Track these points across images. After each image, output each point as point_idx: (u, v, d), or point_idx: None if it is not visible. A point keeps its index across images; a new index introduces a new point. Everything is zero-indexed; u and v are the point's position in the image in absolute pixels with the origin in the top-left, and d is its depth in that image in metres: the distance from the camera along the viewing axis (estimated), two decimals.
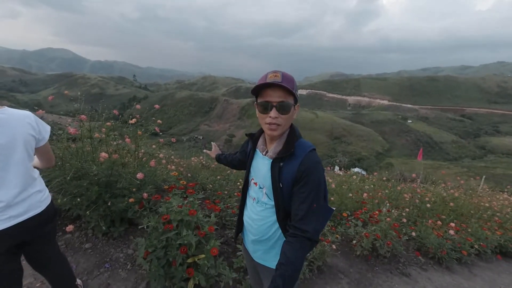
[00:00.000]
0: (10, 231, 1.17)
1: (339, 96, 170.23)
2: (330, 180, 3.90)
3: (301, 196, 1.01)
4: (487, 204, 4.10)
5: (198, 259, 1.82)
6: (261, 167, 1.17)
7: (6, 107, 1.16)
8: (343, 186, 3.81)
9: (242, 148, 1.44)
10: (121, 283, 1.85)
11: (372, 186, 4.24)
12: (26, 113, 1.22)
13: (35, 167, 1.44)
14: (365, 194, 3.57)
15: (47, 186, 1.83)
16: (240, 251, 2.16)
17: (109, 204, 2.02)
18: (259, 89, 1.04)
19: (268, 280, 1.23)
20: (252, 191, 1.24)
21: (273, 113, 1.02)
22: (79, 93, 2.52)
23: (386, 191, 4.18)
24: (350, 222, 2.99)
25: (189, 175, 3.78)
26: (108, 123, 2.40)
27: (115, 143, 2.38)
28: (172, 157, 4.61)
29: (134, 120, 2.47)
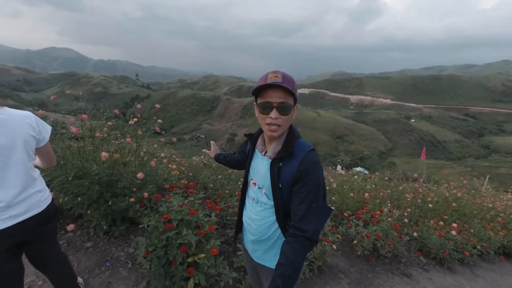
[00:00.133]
0: (10, 231, 1.18)
1: (342, 95, 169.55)
2: (331, 180, 3.89)
3: (300, 196, 1.01)
4: (490, 205, 4.07)
5: (198, 259, 1.82)
6: (260, 167, 1.16)
7: (6, 108, 1.16)
8: (344, 186, 3.80)
9: (241, 148, 1.44)
10: (122, 281, 1.86)
11: (373, 186, 4.21)
12: (27, 113, 1.23)
13: (36, 167, 1.45)
14: (366, 194, 3.55)
15: (49, 185, 1.85)
16: (241, 250, 2.17)
17: (110, 203, 2.03)
18: (259, 90, 1.03)
19: (267, 280, 1.23)
20: (251, 191, 1.24)
21: (273, 113, 1.01)
22: (80, 93, 2.53)
23: (388, 191, 4.16)
24: (351, 222, 2.98)
25: (190, 174, 3.79)
26: (109, 123, 2.41)
27: (116, 142, 2.39)
28: (174, 156, 4.62)
29: (135, 119, 2.48)
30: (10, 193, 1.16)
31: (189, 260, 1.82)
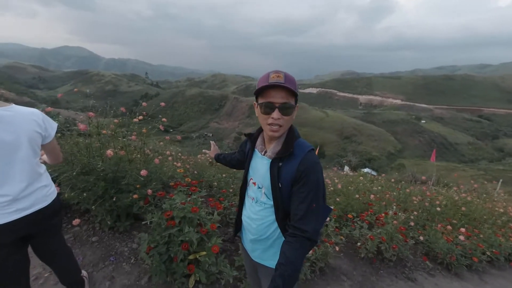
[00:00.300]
0: (16, 224, 1.21)
1: (350, 95, 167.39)
2: (336, 181, 3.85)
3: (300, 196, 1.01)
4: (501, 210, 3.94)
5: (199, 256, 1.84)
6: (260, 167, 1.16)
7: (13, 105, 1.20)
8: (350, 187, 3.75)
9: (240, 148, 1.44)
10: (125, 276, 1.90)
11: (380, 187, 4.14)
12: (33, 110, 1.26)
13: (44, 163, 1.49)
14: (372, 196, 3.50)
15: (55, 180, 1.90)
16: None
17: (114, 199, 2.07)
18: (261, 90, 1.03)
19: (266, 279, 1.23)
20: (251, 191, 1.23)
21: (275, 114, 1.01)
22: (88, 90, 2.58)
23: (394, 193, 4.08)
24: (355, 224, 2.94)
25: (195, 172, 3.82)
26: (115, 120, 2.46)
27: (124, 139, 2.43)
28: (179, 154, 4.67)
29: (140, 117, 2.51)
30: (16, 188, 1.20)
31: (191, 257, 1.83)
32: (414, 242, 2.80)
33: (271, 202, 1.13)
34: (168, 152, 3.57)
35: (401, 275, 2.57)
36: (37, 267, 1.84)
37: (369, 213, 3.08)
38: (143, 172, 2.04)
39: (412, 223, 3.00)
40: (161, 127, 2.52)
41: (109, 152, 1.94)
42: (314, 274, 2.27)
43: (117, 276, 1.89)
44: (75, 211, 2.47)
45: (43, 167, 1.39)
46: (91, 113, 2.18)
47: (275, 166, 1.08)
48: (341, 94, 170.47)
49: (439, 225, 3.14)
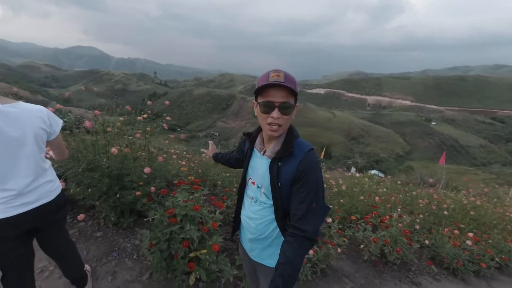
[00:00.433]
0: (22, 217, 1.25)
1: (358, 96, 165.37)
2: (341, 182, 3.81)
3: (300, 196, 1.01)
4: None
5: (200, 254, 1.85)
6: (259, 166, 1.16)
7: (20, 102, 1.23)
8: (354, 189, 3.70)
9: (239, 147, 1.44)
10: (127, 272, 1.93)
11: (385, 189, 4.08)
12: (39, 107, 1.30)
13: (50, 159, 1.53)
14: (377, 198, 3.44)
15: (60, 176, 1.95)
16: None
17: (118, 195, 2.10)
18: (261, 89, 1.03)
19: (264, 278, 1.23)
20: (250, 190, 1.23)
21: (275, 113, 1.00)
22: (95, 89, 2.63)
23: (400, 195, 4.01)
24: (359, 226, 2.90)
25: (200, 171, 3.85)
26: (121, 118, 2.50)
27: (130, 137, 2.47)
28: (184, 152, 4.71)
29: (145, 115, 2.55)
30: (22, 182, 1.23)
31: (191, 255, 1.84)
32: (419, 246, 2.74)
33: (271, 202, 1.13)
34: (172, 151, 3.61)
35: (405, 279, 2.52)
36: (42, 261, 1.90)
37: (373, 215, 3.03)
38: (147, 170, 2.06)
39: (417, 227, 2.94)
40: (165, 126, 2.55)
41: (114, 149, 1.97)
42: (315, 275, 2.25)
43: (120, 271, 1.92)
44: (81, 207, 2.52)
45: (48, 162, 1.42)
46: (96, 111, 2.22)
47: (275, 166, 1.08)
48: (349, 94, 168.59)
49: (446, 229, 3.07)
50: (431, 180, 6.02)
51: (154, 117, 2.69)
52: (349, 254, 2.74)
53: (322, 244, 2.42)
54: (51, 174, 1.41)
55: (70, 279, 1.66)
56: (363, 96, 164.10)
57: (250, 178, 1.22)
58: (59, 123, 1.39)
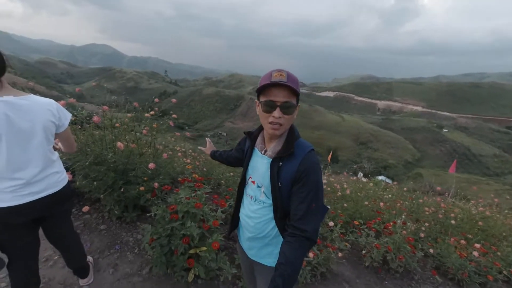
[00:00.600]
0: (29, 206, 1.29)
1: (368, 100, 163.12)
2: (345, 186, 3.76)
3: (300, 196, 1.01)
4: None
5: (199, 251, 1.86)
6: (260, 166, 1.16)
7: (31, 95, 1.28)
8: (359, 194, 3.65)
9: (239, 146, 1.44)
10: (127, 265, 1.96)
11: (390, 196, 4.01)
12: (49, 100, 1.34)
13: (59, 151, 1.57)
14: (382, 204, 3.39)
15: (68, 168, 2.00)
16: None
17: (122, 190, 2.15)
18: (263, 88, 1.03)
19: (262, 277, 1.23)
20: (250, 189, 1.24)
21: (277, 113, 1.01)
22: (105, 85, 2.69)
23: (406, 202, 3.93)
24: (362, 231, 2.86)
25: (204, 169, 3.88)
26: (128, 114, 2.55)
27: (138, 134, 2.52)
28: (190, 150, 4.76)
29: (152, 112, 2.59)
30: (30, 172, 1.27)
31: (191, 251, 1.86)
32: (423, 254, 2.68)
33: (270, 201, 1.14)
34: (178, 148, 3.65)
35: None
36: (48, 250, 1.95)
37: (376, 221, 2.99)
38: (151, 165, 2.10)
39: (422, 235, 2.87)
40: (171, 123, 2.58)
41: (120, 144, 2.02)
42: (314, 278, 2.23)
43: (121, 264, 1.96)
44: (87, 199, 2.59)
45: (56, 154, 1.46)
46: (105, 107, 2.28)
47: (275, 166, 1.08)
48: (359, 98, 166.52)
49: (452, 239, 2.99)
50: (438, 188, 5.87)
51: (161, 114, 2.73)
52: (350, 259, 2.71)
53: (323, 248, 2.40)
54: (59, 166, 1.45)
55: (73, 269, 1.70)
56: (373, 101, 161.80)
57: (250, 177, 1.23)
58: (67, 116, 1.44)
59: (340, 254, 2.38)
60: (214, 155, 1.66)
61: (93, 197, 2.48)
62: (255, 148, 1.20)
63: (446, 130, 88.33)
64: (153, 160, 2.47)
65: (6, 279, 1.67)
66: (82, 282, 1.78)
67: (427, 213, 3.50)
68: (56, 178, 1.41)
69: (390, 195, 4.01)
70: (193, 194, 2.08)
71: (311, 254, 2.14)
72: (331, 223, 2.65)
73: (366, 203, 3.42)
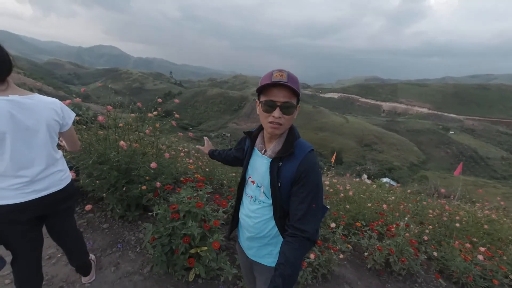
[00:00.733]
0: (33, 204, 1.31)
1: (373, 102, 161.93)
2: (348, 187, 3.74)
3: (300, 196, 1.01)
4: None
5: (200, 251, 1.87)
6: (260, 166, 1.16)
7: (36, 94, 1.30)
8: (362, 195, 3.62)
9: (239, 146, 1.44)
10: (129, 263, 1.98)
11: (393, 198, 3.96)
12: (53, 100, 1.36)
13: (63, 149, 1.60)
14: (385, 206, 3.35)
15: (73, 167, 2.03)
16: None
17: (124, 189, 2.17)
18: (263, 88, 1.04)
19: (261, 277, 1.23)
20: (249, 189, 1.24)
21: (276, 113, 1.01)
22: (110, 86, 2.72)
23: (410, 204, 3.88)
24: (364, 233, 2.83)
25: (207, 169, 3.89)
26: (132, 114, 2.58)
27: (141, 133, 2.54)
28: (193, 151, 4.78)
29: (155, 112, 2.62)
30: (34, 170, 1.29)
31: (192, 251, 1.87)
32: (426, 257, 2.64)
33: (270, 201, 1.13)
34: (180, 148, 3.68)
35: None
36: (51, 248, 1.98)
37: (379, 223, 2.96)
38: (153, 165, 2.11)
39: (426, 237, 2.83)
40: (174, 123, 2.60)
41: (122, 143, 2.04)
42: (315, 280, 2.22)
43: (122, 262, 1.98)
44: (90, 198, 2.62)
45: (60, 153, 1.49)
46: (109, 107, 2.31)
47: (275, 166, 1.08)
48: (363, 100, 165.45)
49: (456, 242, 2.94)
50: (442, 190, 5.79)
51: (164, 115, 2.75)
52: (352, 261, 2.68)
53: (324, 249, 2.39)
54: (62, 164, 1.48)
55: (75, 266, 1.72)
56: (378, 102, 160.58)
57: (250, 177, 1.23)
58: (71, 115, 1.46)
59: (341, 256, 2.36)
60: (212, 154, 1.66)
61: (96, 196, 2.51)
62: (255, 148, 1.20)
63: (453, 132, 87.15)
64: (155, 159, 2.49)
65: (10, 276, 1.70)
66: (84, 279, 1.80)
67: (431, 215, 3.45)
68: (60, 176, 1.43)
69: (393, 197, 3.97)
70: (195, 194, 2.09)
71: (312, 255, 2.12)
72: (333, 224, 2.63)
73: (369, 204, 3.39)
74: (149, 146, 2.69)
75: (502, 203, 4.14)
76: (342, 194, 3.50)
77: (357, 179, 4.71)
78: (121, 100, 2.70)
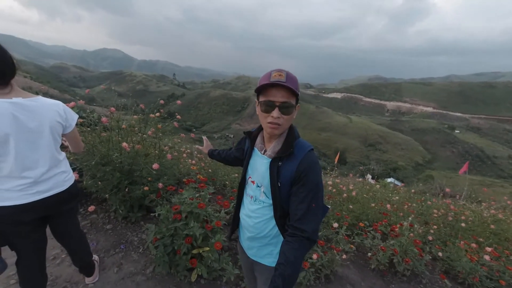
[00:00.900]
0: (36, 204, 1.33)
1: (377, 101, 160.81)
2: (351, 187, 3.71)
3: (300, 196, 1.01)
4: None
5: (202, 251, 1.87)
6: (259, 166, 1.16)
7: (39, 96, 1.32)
8: (365, 195, 3.60)
9: (239, 146, 1.45)
10: (132, 264, 1.99)
11: (397, 197, 3.92)
12: (56, 102, 1.38)
13: (67, 151, 1.62)
14: (388, 205, 3.32)
15: (76, 168, 2.05)
16: None
17: (127, 190, 2.18)
18: (262, 88, 1.04)
19: (261, 277, 1.23)
20: (250, 189, 1.24)
21: (275, 113, 1.01)
22: (113, 88, 2.76)
23: (414, 204, 3.84)
24: (368, 233, 2.81)
25: (209, 170, 3.90)
26: (135, 116, 2.60)
27: (144, 135, 2.56)
28: (196, 152, 4.79)
29: (158, 114, 2.64)
30: (38, 172, 1.31)
31: (194, 251, 1.88)
32: (430, 257, 2.61)
33: (270, 201, 1.13)
34: (183, 149, 3.69)
35: None
36: (55, 248, 2.00)
37: (382, 223, 2.93)
38: (155, 166, 2.13)
39: (430, 238, 2.80)
40: (176, 124, 2.61)
41: (125, 144, 2.06)
42: (318, 280, 2.20)
43: (125, 263, 1.99)
44: (94, 199, 2.64)
45: (63, 154, 1.50)
46: (112, 108, 2.33)
47: (275, 166, 1.08)
48: (367, 99, 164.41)
49: (462, 242, 2.90)
50: (447, 190, 5.71)
51: (166, 116, 2.77)
52: (356, 261, 2.66)
53: (327, 250, 2.38)
54: (65, 165, 1.49)
55: (79, 267, 1.74)
56: (381, 102, 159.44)
57: (250, 177, 1.23)
58: (74, 117, 1.48)
59: (344, 256, 2.35)
60: (212, 154, 1.65)
61: (99, 197, 2.54)
62: (255, 148, 1.20)
63: (458, 131, 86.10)
64: (158, 161, 2.50)
65: (15, 276, 1.73)
66: (87, 280, 1.81)
67: (435, 215, 3.41)
68: (63, 178, 1.45)
69: (397, 197, 3.93)
70: (197, 195, 2.09)
71: (314, 256, 2.11)
72: (336, 225, 2.61)
73: (373, 205, 3.36)
74: (152, 147, 2.71)
75: (509, 202, 4.07)
76: (345, 194, 3.48)
77: (360, 179, 4.68)
78: (124, 102, 2.74)
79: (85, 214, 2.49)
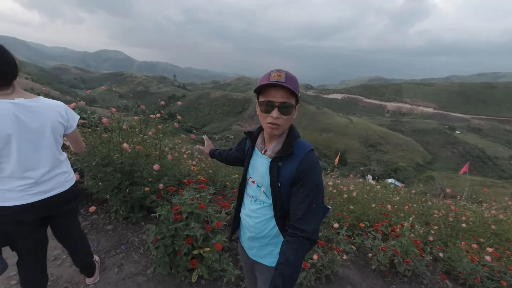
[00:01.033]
0: (38, 205, 1.34)
1: (377, 102, 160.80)
2: (351, 188, 3.71)
3: (300, 196, 1.01)
4: None
5: (203, 252, 1.88)
6: (260, 166, 1.17)
7: (41, 97, 1.33)
8: (366, 196, 3.60)
9: (239, 146, 1.45)
10: (132, 264, 1.99)
11: (398, 198, 3.92)
12: (57, 102, 1.39)
13: (68, 151, 1.62)
14: (389, 206, 3.32)
15: (77, 169, 2.06)
16: None
17: (127, 191, 2.19)
18: (262, 88, 1.04)
19: (262, 277, 1.23)
20: (250, 189, 1.24)
21: (275, 113, 1.01)
22: (114, 89, 2.76)
23: (415, 205, 3.84)
24: (368, 234, 2.81)
25: (210, 171, 3.91)
26: (135, 117, 2.61)
27: (145, 136, 2.57)
28: (196, 153, 4.80)
29: (158, 115, 2.64)
30: (39, 172, 1.32)
31: (195, 252, 1.88)
32: (431, 258, 2.60)
33: (270, 201, 1.14)
34: (184, 150, 3.70)
35: None
36: (56, 249, 2.01)
37: (383, 223, 2.93)
38: (156, 167, 2.13)
39: (431, 238, 2.79)
40: (176, 125, 2.62)
41: (125, 145, 2.07)
42: (319, 281, 2.20)
43: (126, 264, 1.99)
44: (95, 200, 2.65)
45: (64, 155, 1.51)
46: (113, 109, 2.34)
47: (275, 166, 1.08)
48: (367, 100, 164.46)
49: (463, 243, 2.89)
50: (448, 191, 5.70)
51: (167, 117, 2.78)
52: (356, 262, 2.66)
53: (328, 250, 2.37)
54: (66, 166, 1.50)
55: (79, 267, 1.74)
56: (382, 103, 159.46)
57: (250, 177, 1.23)
58: (75, 118, 1.48)
59: (345, 257, 2.34)
60: (213, 153, 1.66)
61: (100, 198, 2.54)
62: (255, 148, 1.21)
63: (459, 132, 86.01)
64: (158, 161, 2.51)
65: (16, 277, 1.73)
66: (88, 280, 1.82)
67: (436, 216, 3.40)
68: (64, 178, 1.46)
69: (398, 198, 3.92)
70: (198, 196, 2.10)
71: (315, 256, 2.11)
72: (337, 225, 2.61)
73: (373, 205, 3.36)
74: (152, 148, 2.71)
75: (510, 203, 4.06)
76: (345, 195, 3.48)
77: (361, 180, 4.67)
78: (125, 103, 2.75)
79: (86, 215, 2.49)
